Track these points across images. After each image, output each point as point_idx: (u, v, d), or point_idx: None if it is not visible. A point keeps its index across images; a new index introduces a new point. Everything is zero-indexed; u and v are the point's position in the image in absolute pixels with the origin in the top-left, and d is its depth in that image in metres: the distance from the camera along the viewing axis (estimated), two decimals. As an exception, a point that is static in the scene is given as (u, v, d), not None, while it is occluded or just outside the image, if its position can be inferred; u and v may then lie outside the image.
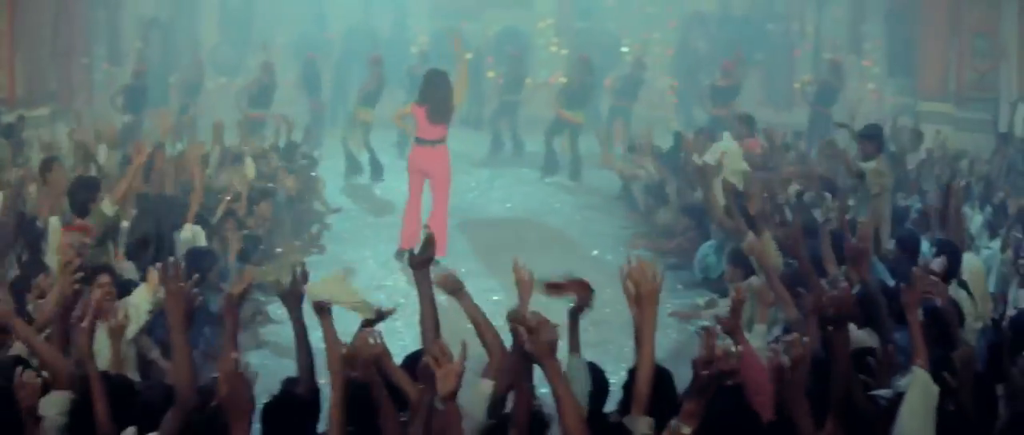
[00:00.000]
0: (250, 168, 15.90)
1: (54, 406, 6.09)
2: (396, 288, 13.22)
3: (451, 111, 14.76)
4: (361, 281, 13.94)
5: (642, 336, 5.67)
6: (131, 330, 8.20)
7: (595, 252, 15.48)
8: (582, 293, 6.34)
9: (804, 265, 8.65)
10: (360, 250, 15.73)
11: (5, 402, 5.86)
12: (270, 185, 15.49)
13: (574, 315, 6.40)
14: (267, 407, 5.99)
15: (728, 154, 14.55)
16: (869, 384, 6.34)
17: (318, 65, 25.59)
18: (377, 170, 20.88)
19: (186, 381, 5.80)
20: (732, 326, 6.57)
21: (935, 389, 5.99)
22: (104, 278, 8.63)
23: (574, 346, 6.37)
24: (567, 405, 5.08)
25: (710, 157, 14.50)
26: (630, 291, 5.75)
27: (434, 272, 6.65)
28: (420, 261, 6.55)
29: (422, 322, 6.50)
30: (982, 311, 9.77)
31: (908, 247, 10.92)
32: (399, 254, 14.88)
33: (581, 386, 6.08)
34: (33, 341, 6.74)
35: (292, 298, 6.55)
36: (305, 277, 6.59)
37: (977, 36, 21.84)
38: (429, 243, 6.59)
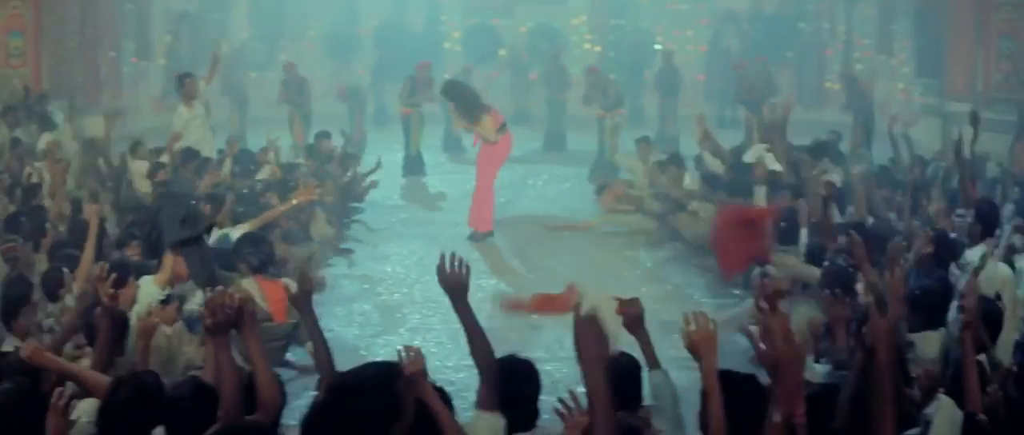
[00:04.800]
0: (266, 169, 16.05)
1: (88, 413, 6.07)
2: (431, 284, 13.11)
3: None
4: (394, 277, 13.96)
5: (708, 382, 5.45)
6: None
7: (629, 252, 15.41)
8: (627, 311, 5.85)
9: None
10: (399, 246, 15.77)
11: (31, 400, 5.90)
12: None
13: (634, 330, 6.16)
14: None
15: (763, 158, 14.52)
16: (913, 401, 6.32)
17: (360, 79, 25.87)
18: (417, 166, 21.40)
19: (233, 390, 5.78)
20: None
21: (959, 414, 6.03)
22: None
23: (652, 362, 6.17)
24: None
25: (750, 157, 14.49)
26: (688, 338, 5.64)
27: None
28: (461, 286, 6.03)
29: (473, 350, 6.02)
30: (1013, 320, 9.67)
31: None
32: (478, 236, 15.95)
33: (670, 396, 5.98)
34: (71, 371, 6.68)
35: (302, 300, 6.53)
36: (310, 281, 6.62)
37: (1002, 38, 21.75)
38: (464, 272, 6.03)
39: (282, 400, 6.10)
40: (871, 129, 21.14)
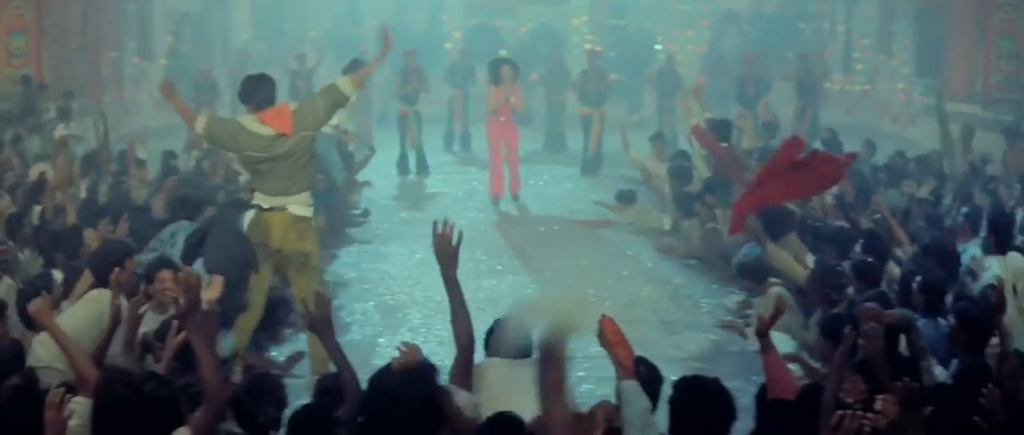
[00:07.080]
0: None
1: (78, 415, 6.05)
2: (432, 285, 13.14)
3: None
4: (395, 277, 13.96)
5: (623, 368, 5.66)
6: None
7: (630, 251, 15.39)
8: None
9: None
10: (401, 246, 15.69)
11: (28, 403, 5.92)
12: None
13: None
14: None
15: None
16: None
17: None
18: (423, 167, 21.36)
19: (214, 379, 5.80)
20: (763, 329, 6.58)
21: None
22: (165, 273, 8.57)
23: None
24: None
25: None
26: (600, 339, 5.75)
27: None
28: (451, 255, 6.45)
29: (455, 326, 6.40)
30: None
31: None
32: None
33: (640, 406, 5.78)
34: (66, 342, 6.72)
35: (321, 324, 6.53)
36: (328, 304, 6.68)
37: (1003, 38, 21.75)
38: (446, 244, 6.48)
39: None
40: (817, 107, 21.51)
